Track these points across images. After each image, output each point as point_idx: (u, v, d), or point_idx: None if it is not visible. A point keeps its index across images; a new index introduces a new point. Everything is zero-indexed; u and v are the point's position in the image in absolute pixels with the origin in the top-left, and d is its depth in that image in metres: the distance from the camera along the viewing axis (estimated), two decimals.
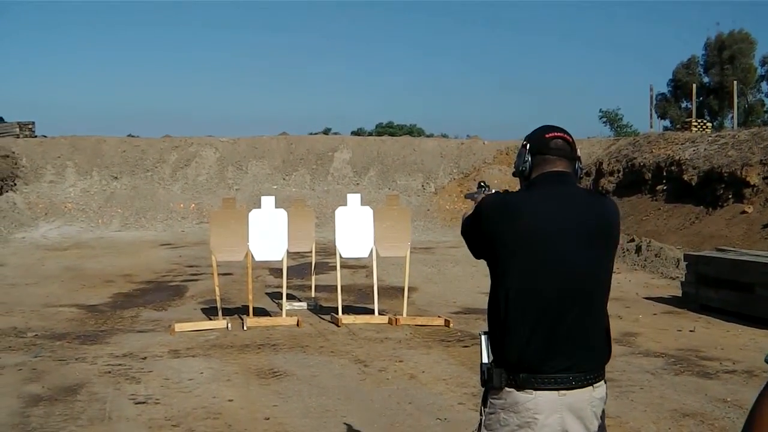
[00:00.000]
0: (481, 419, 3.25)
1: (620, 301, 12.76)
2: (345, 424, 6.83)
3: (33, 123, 34.31)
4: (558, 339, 3.11)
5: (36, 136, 33.35)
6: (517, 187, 3.48)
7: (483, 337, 3.27)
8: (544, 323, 3.11)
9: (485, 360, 3.23)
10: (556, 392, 3.09)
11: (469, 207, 3.72)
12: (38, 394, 7.80)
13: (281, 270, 11.97)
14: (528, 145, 3.39)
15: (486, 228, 3.27)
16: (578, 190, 3.35)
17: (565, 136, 3.36)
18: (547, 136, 3.36)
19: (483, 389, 3.28)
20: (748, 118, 48.06)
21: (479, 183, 4.15)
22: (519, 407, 3.11)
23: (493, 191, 3.80)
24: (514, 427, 3.11)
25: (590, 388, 3.15)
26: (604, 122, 57.32)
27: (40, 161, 30.07)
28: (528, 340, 3.11)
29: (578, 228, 3.17)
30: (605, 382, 3.25)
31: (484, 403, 3.25)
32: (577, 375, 3.12)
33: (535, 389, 3.09)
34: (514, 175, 3.49)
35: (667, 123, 49.87)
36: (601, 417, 3.21)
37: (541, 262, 3.13)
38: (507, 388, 3.14)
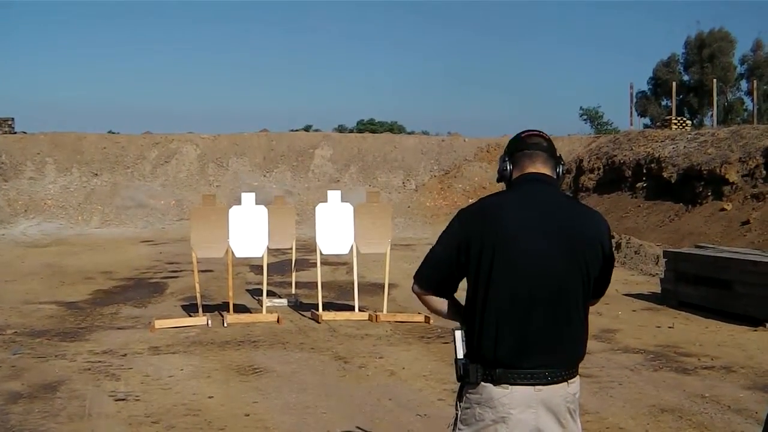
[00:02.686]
0: (456, 414, 3.28)
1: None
2: (325, 420, 6.84)
3: (12, 119, 34.07)
4: (532, 337, 3.14)
5: (15, 133, 33.13)
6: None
7: (457, 333, 3.29)
8: (518, 322, 3.14)
9: (460, 355, 3.26)
10: (531, 387, 3.12)
11: None
12: (18, 391, 7.77)
13: (262, 267, 11.96)
14: (507, 149, 3.47)
15: (462, 231, 3.28)
16: (558, 194, 3.39)
17: (542, 134, 3.44)
18: (523, 135, 3.45)
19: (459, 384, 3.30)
20: (728, 117, 48.24)
21: None
22: (494, 402, 3.14)
23: None
24: (489, 422, 3.14)
25: (565, 383, 3.18)
26: (584, 120, 57.53)
27: (20, 158, 29.92)
28: (503, 337, 3.14)
29: (552, 231, 3.20)
30: (578, 378, 3.28)
31: (460, 398, 3.28)
32: (553, 371, 3.15)
33: (511, 384, 3.12)
34: (498, 181, 3.52)
35: (647, 121, 50.10)
36: (576, 412, 3.23)
37: (513, 263, 3.16)
38: (483, 383, 3.17)
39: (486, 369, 3.16)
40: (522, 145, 3.40)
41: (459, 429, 3.25)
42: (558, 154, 3.45)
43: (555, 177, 3.41)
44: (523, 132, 3.46)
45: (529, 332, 3.14)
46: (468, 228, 3.26)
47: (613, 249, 3.36)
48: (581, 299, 3.26)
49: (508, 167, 3.41)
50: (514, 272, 3.16)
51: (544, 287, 3.16)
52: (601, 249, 3.29)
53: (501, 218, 3.21)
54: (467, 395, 3.23)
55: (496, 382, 3.14)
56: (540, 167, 3.36)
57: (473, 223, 3.25)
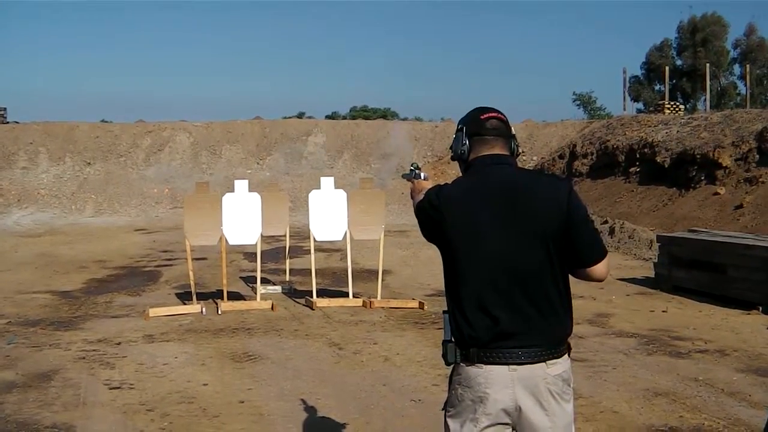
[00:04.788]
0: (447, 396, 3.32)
1: (593, 282, 12.82)
2: (320, 406, 6.85)
3: (4, 109, 33.96)
4: (504, 318, 3.14)
5: (8, 122, 33.04)
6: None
7: (446, 316, 3.31)
8: (490, 303, 3.15)
9: (446, 337, 3.29)
10: (506, 367, 3.13)
11: (416, 189, 3.93)
12: (12, 380, 7.76)
13: (255, 254, 11.97)
14: (464, 128, 3.43)
15: (431, 217, 3.32)
16: (516, 171, 3.37)
17: (500, 115, 3.41)
18: (482, 117, 3.40)
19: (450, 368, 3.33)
20: (721, 101, 48.20)
21: (411, 164, 4.24)
22: (471, 382, 3.16)
23: (423, 174, 4.04)
24: (469, 403, 3.17)
25: (543, 364, 3.15)
26: (577, 105, 57.38)
27: (12, 147, 29.85)
28: (476, 318, 3.16)
29: (515, 210, 3.19)
30: (568, 361, 3.27)
31: (449, 380, 3.32)
32: (527, 350, 3.14)
33: (485, 363, 3.14)
34: (452, 159, 3.52)
35: (640, 105, 50.00)
36: (563, 395, 3.21)
37: (478, 250, 3.18)
38: (462, 364, 3.21)
39: (462, 349, 3.19)
40: (482, 129, 3.37)
41: (448, 410, 3.29)
42: (512, 132, 3.45)
43: (511, 155, 3.41)
44: (482, 113, 3.42)
45: (501, 313, 3.14)
46: (435, 214, 3.29)
47: (584, 207, 3.30)
48: (555, 277, 3.22)
49: (467, 149, 3.40)
50: (479, 258, 3.17)
51: (511, 270, 3.16)
52: (565, 217, 3.20)
53: (461, 206, 3.23)
54: (453, 377, 3.28)
55: (471, 362, 3.17)
56: (497, 150, 3.36)
57: (439, 210, 3.27)
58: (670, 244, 12.92)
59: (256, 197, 11.69)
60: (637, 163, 24.48)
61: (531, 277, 3.18)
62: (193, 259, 11.83)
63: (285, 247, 13.73)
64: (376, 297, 11.60)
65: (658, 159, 23.30)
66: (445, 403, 3.32)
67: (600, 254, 3.29)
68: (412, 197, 3.87)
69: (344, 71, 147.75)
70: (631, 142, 25.33)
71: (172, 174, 30.25)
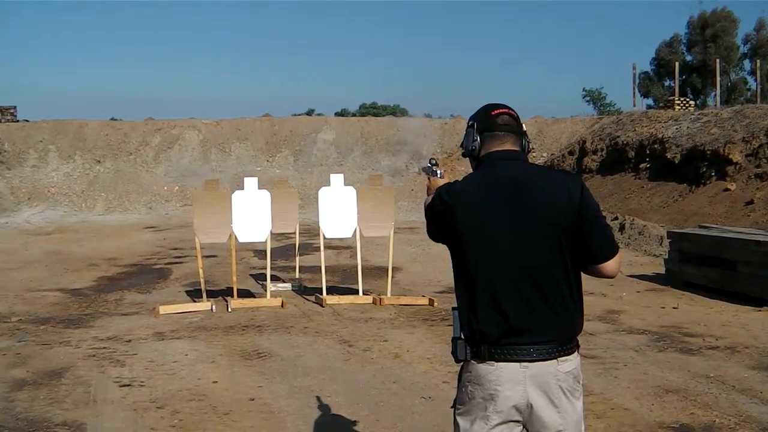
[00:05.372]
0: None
1: (604, 279, 12.78)
2: (330, 404, 6.84)
3: (14, 107, 34.02)
4: (514, 315, 3.14)
5: (18, 121, 33.11)
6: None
7: (455, 313, 3.30)
8: (500, 300, 3.15)
9: (455, 334, 3.28)
10: (517, 364, 3.12)
11: (430, 187, 3.95)
12: (23, 378, 7.78)
13: (265, 251, 11.96)
14: (475, 125, 3.44)
15: (441, 214, 3.32)
16: (528, 167, 3.37)
17: (510, 111, 3.42)
18: (493, 113, 3.41)
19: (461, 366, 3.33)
20: (731, 96, 48.07)
21: (430, 160, 4.25)
22: (482, 379, 3.16)
23: (439, 172, 4.06)
24: (480, 400, 3.16)
25: (554, 361, 3.15)
26: (587, 101, 57.55)
27: (23, 146, 29.92)
28: (486, 315, 3.16)
29: (523, 209, 3.18)
30: (578, 358, 3.26)
31: (459, 378, 3.31)
32: (538, 347, 3.13)
33: (497, 360, 3.14)
34: (464, 155, 3.53)
35: (650, 101, 49.93)
36: (574, 392, 3.21)
37: (487, 246, 3.18)
38: (472, 361, 3.20)
39: (473, 347, 3.19)
40: (493, 126, 3.38)
41: (457, 408, 3.29)
42: (523, 129, 3.46)
43: (522, 151, 3.41)
44: (492, 109, 3.43)
45: (512, 309, 3.14)
46: (444, 212, 3.30)
47: (595, 204, 3.28)
48: (566, 273, 3.21)
49: (478, 146, 3.41)
50: (490, 254, 3.17)
51: (520, 267, 3.16)
52: (576, 213, 3.19)
53: (472, 202, 3.23)
54: (463, 374, 3.28)
55: (482, 359, 3.16)
56: (508, 146, 3.37)
57: (448, 207, 3.27)
58: (681, 240, 12.88)
59: (265, 194, 11.68)
60: (647, 159, 24.43)
61: (542, 273, 3.17)
62: (202, 257, 11.84)
63: (295, 245, 13.74)
64: (385, 294, 11.58)
65: (668, 155, 23.24)
66: (455, 401, 3.32)
67: (611, 251, 3.29)
68: (429, 194, 3.86)
69: (353, 69, 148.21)
70: (641, 138, 25.27)
71: (181, 171, 30.28)
